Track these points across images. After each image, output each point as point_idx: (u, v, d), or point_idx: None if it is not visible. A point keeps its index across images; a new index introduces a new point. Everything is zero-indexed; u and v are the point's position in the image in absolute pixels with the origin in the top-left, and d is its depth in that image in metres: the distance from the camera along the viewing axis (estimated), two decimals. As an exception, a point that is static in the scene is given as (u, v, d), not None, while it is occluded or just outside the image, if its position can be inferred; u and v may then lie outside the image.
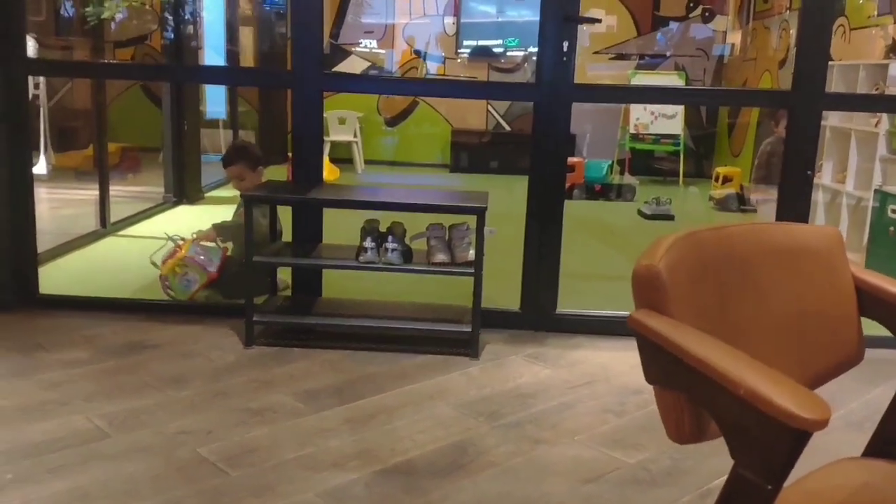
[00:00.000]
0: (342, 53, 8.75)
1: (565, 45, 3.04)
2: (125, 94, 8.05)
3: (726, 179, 6.42)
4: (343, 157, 8.05)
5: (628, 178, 7.35)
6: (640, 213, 6.15)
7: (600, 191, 6.86)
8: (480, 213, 2.81)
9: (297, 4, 3.03)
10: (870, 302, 1.25)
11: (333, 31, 8.64)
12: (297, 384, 2.62)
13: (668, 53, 8.50)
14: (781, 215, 3.12)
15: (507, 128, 8.81)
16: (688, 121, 8.13)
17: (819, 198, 5.34)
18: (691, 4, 8.42)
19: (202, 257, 3.31)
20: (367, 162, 8.33)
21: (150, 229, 4.95)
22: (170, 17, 5.48)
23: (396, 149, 8.80)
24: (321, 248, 3.08)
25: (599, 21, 3.73)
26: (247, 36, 8.16)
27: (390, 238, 2.85)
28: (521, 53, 8.62)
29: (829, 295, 1.25)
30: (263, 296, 3.14)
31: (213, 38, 7.63)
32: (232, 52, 7.60)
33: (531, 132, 3.17)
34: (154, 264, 3.33)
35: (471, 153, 8.38)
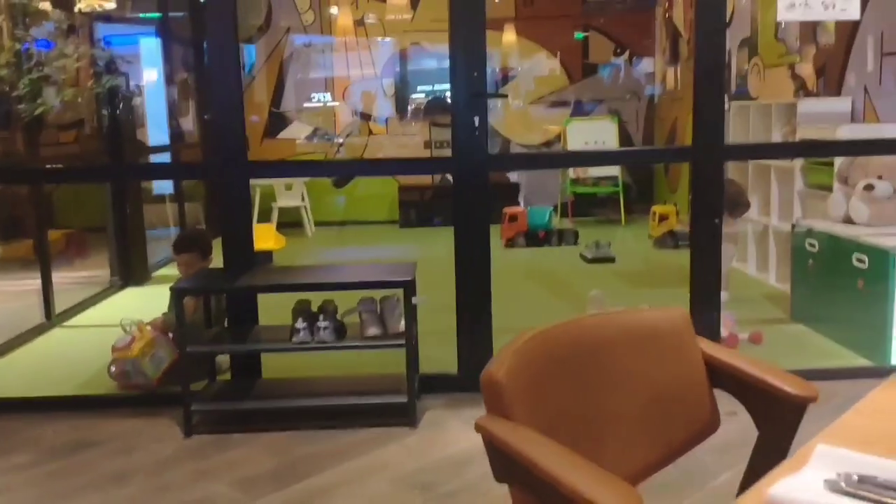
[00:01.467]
0: (286, 120, 8.91)
1: (476, 119, 3.19)
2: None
3: (662, 218, 6.63)
4: (293, 221, 8.15)
5: (570, 223, 7.54)
6: (581, 256, 6.32)
7: (544, 237, 7.03)
8: (407, 285, 2.92)
9: (216, 97, 3.15)
10: (719, 376, 1.38)
11: (274, 99, 8.81)
12: (236, 472, 2.67)
13: (588, 99, 8.79)
14: (695, 261, 3.28)
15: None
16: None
17: (749, 231, 5.56)
18: (618, 50, 8.76)
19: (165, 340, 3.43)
20: (317, 224, 8.43)
21: (96, 317, 4.97)
22: (105, 106, 5.56)
23: (345, 209, 8.91)
24: (257, 331, 3.16)
25: (506, 97, 3.83)
26: (190, 110, 8.27)
27: (321, 317, 2.94)
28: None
29: (682, 373, 1.37)
30: (202, 381, 3.20)
31: (156, 114, 7.74)
32: (175, 130, 7.70)
33: (452, 203, 3.30)
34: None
35: (418, 208, 8.53)
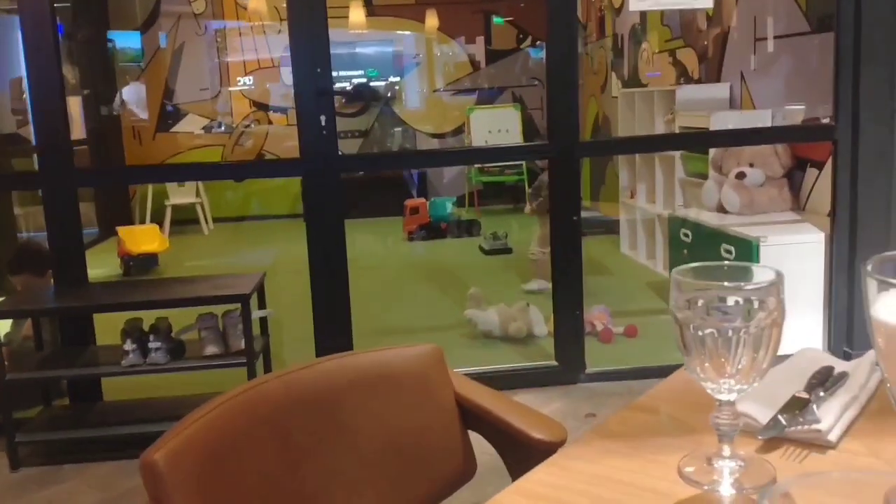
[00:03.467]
0: (180, 113, 8.56)
1: (323, 118, 3.03)
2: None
3: (561, 206, 6.59)
4: (190, 219, 7.85)
5: (476, 212, 7.45)
6: (480, 248, 6.24)
7: (446, 229, 6.92)
8: (244, 300, 2.75)
9: (37, 96, 2.90)
10: (470, 417, 1.26)
11: (166, 91, 8.44)
12: (55, 510, 2.48)
13: (496, 87, 8.70)
14: (556, 260, 3.20)
15: (360, 172, 8.78)
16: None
17: (637, 219, 5.55)
18: (521, 36, 8.67)
19: None
20: (216, 220, 8.14)
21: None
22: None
23: (247, 203, 8.63)
24: (91, 353, 2.94)
25: (352, 94, 3.62)
26: (74, 107, 7.85)
27: (152, 337, 2.75)
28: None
29: (430, 416, 1.25)
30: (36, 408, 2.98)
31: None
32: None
33: (303, 204, 3.15)
34: None
35: (322, 201, 8.30)
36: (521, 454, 1.22)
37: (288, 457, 1.09)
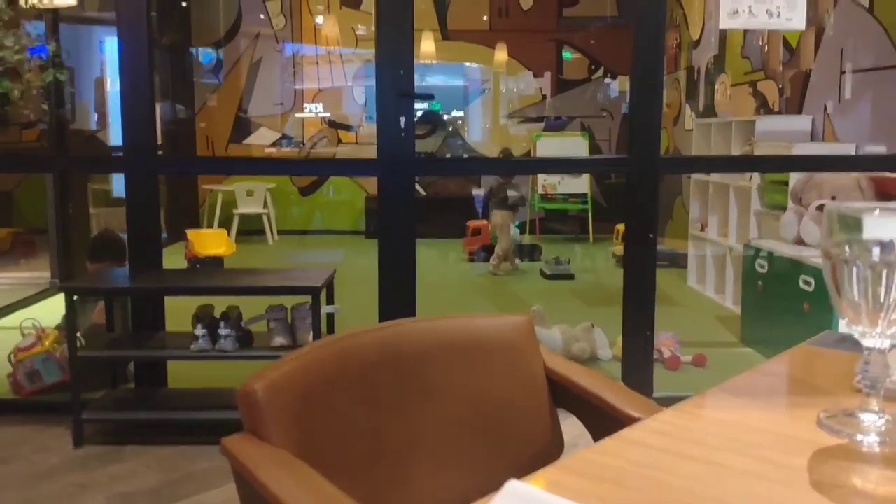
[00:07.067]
0: (253, 125, 8.75)
1: (402, 120, 3.04)
2: (34, 175, 7.92)
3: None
4: (256, 229, 7.98)
5: (537, 239, 7.39)
6: (541, 272, 6.17)
7: (507, 252, 6.86)
8: (315, 292, 2.75)
9: (126, 83, 2.99)
10: (560, 392, 1.21)
11: (241, 104, 8.65)
12: (116, 487, 2.48)
13: (565, 116, 8.67)
14: (628, 278, 3.12)
15: (423, 192, 8.83)
16: (597, 177, 8.28)
17: (707, 253, 5.42)
18: (593, 66, 8.65)
19: None
20: (280, 232, 8.26)
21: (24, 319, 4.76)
22: (52, 101, 5.38)
23: (312, 218, 8.75)
24: (160, 337, 2.97)
25: (433, 98, 3.55)
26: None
27: (223, 324, 2.76)
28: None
29: (519, 388, 1.21)
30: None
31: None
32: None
33: (378, 204, 3.15)
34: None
35: (385, 220, 8.34)
36: (613, 431, 1.16)
37: (375, 411, 1.06)
